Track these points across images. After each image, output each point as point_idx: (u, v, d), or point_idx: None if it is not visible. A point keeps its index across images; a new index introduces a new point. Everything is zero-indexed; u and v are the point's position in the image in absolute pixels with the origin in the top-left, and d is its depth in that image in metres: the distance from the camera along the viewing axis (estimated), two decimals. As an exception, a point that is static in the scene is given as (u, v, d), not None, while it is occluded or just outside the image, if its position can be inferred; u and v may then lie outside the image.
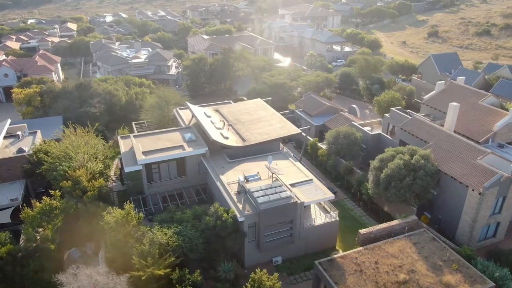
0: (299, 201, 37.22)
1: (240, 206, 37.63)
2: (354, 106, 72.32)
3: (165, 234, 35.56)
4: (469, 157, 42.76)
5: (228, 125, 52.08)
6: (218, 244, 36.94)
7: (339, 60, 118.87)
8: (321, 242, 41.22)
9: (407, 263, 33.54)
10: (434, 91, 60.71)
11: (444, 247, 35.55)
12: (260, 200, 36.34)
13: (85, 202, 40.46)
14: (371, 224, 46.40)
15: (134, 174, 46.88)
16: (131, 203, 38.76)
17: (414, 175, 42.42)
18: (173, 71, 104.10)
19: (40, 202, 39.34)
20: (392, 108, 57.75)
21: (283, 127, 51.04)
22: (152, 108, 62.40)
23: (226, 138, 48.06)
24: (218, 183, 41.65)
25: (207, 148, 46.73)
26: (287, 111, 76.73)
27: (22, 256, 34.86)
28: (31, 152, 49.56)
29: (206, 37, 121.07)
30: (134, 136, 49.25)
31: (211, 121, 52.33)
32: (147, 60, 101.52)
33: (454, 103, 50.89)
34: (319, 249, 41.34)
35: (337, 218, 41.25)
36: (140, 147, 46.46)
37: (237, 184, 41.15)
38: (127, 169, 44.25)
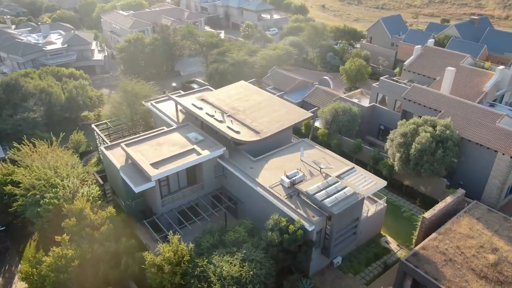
0: (362, 196, 33.89)
1: (301, 212, 32.95)
2: (326, 77, 70.13)
3: (232, 263, 29.56)
4: (488, 122, 43.42)
5: (228, 116, 45.59)
6: (287, 261, 32.14)
7: (271, 29, 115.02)
8: (371, 231, 38.92)
9: (485, 242, 32.84)
10: (412, 56, 60.92)
11: (504, 217, 35.70)
12: (328, 202, 32.07)
13: (101, 242, 31.93)
14: (399, 201, 45.50)
15: (133, 191, 38.66)
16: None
17: (444, 147, 41.88)
18: (98, 55, 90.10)
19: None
20: (382, 78, 56.52)
21: (291, 112, 46.29)
22: (119, 106, 52.28)
23: (238, 132, 41.87)
24: (258, 188, 36.06)
25: (225, 148, 40.27)
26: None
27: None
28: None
29: (124, 13, 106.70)
30: (127, 145, 40.25)
31: (207, 113, 45.25)
32: (65, 46, 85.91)
33: (451, 68, 51.32)
34: (368, 238, 39.04)
35: (385, 204, 39.04)
36: (143, 157, 38.09)
37: (279, 186, 36.08)
38: (137, 189, 35.94)
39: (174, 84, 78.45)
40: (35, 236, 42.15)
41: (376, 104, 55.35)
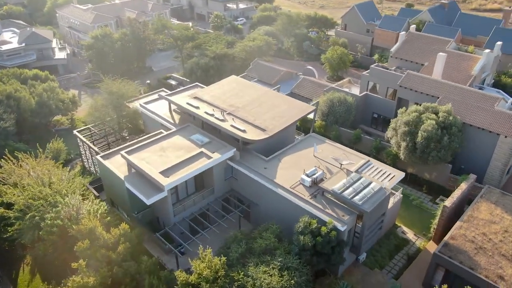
0: (389, 191, 33.23)
1: (330, 212, 31.72)
2: (310, 67, 69.14)
3: (270, 274, 27.85)
4: (486, 105, 44.21)
5: (227, 114, 43.30)
6: (320, 264, 30.88)
7: (239, 19, 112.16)
8: (389, 223, 38.57)
9: (508, 226, 33.32)
10: (397, 43, 61.10)
11: (518, 199, 36.49)
12: (358, 200, 31.04)
13: (119, 263, 29.09)
14: (406, 189, 45.42)
15: (140, 201, 35.83)
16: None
17: (449, 133, 42.16)
18: (60, 54, 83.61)
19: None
20: (372, 66, 56.21)
21: (292, 106, 44.68)
22: (104, 109, 48.26)
23: (244, 131, 39.80)
24: (279, 190, 34.38)
25: (235, 149, 38.13)
26: (232, 83, 69.25)
27: None
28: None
29: (82, 7, 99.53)
30: (128, 153, 37.01)
31: (206, 113, 42.71)
32: (23, 45, 78.78)
33: (442, 53, 51.83)
34: (386, 230, 38.67)
35: (401, 195, 38.73)
36: (150, 166, 35.17)
37: (300, 185, 34.61)
38: (150, 201, 33.08)
39: (148, 82, 74.46)
40: (27, 260, 38.15)
41: (369, 93, 55.00)
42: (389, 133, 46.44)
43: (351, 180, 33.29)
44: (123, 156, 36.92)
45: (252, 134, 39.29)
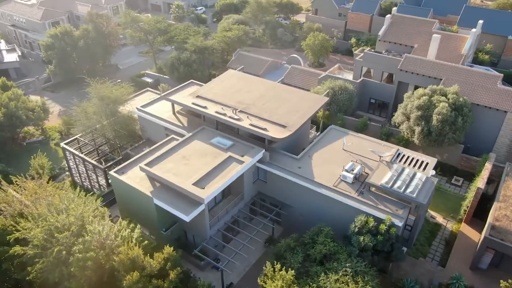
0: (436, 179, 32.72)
1: (383, 208, 30.62)
2: (295, 55, 67.42)
3: (341, 282, 26.26)
4: (489, 84, 45.32)
5: (239, 111, 40.54)
6: (381, 263, 29.78)
7: (199, 8, 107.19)
8: (420, 210, 38.41)
9: (542, 201, 34.35)
10: (384, 26, 61.02)
11: (539, 173, 37.79)
12: (411, 193, 30.17)
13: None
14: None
15: (167, 217, 32.75)
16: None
17: (461, 114, 42.69)
18: (10, 56, 74.76)
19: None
20: (366, 50, 55.71)
21: (305, 99, 42.74)
22: (95, 116, 43.21)
23: (265, 129, 37.42)
24: (323, 190, 32.63)
25: (264, 150, 35.69)
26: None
27: None
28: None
29: (26, 2, 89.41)
30: (148, 165, 33.24)
31: (217, 112, 39.65)
32: (-36, 49, 69.31)
33: (436, 35, 52.33)
34: (417, 217, 38.53)
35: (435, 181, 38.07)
36: (178, 178, 31.84)
37: (341, 182, 33.13)
38: (189, 217, 29.93)
39: (119, 81, 68.57)
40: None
41: (366, 78, 54.51)
42: (398, 118, 46.21)
43: (396, 172, 32.37)
44: (143, 170, 33.17)
45: (275, 132, 36.96)
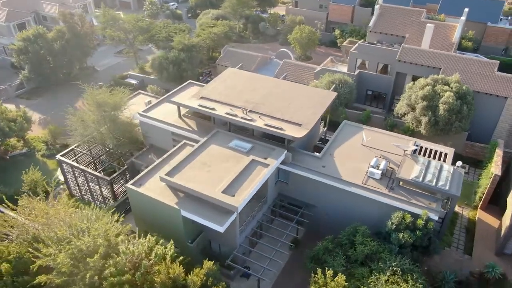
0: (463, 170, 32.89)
1: (416, 203, 30.42)
2: (285, 49, 66.41)
3: (392, 282, 25.81)
4: (487, 71, 46.32)
5: (249, 111, 39.15)
6: (420, 257, 29.66)
7: (171, 3, 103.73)
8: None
9: (556, 183, 35.48)
10: (373, 17, 61.09)
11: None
12: (444, 186, 30.15)
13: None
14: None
15: (192, 228, 31.23)
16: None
17: (466, 102, 43.38)
18: (-25, 62, 69.12)
19: None
20: (360, 42, 55.56)
21: (313, 94, 41.83)
22: (94, 125, 40.40)
23: (281, 129, 36.34)
24: (353, 188, 32.01)
25: (286, 151, 34.58)
26: (201, 76, 64.11)
27: None
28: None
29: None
30: (168, 174, 31.34)
31: (227, 113, 38.08)
32: None
33: (430, 24, 52.90)
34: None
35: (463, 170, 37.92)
36: (205, 186, 30.21)
37: (369, 179, 32.67)
38: (223, 228, 28.46)
39: (100, 83, 65.02)
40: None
41: (362, 71, 54.40)
42: (402, 109, 46.41)
43: (423, 165, 32.28)
44: (164, 180, 31.23)
45: (292, 131, 35.94)
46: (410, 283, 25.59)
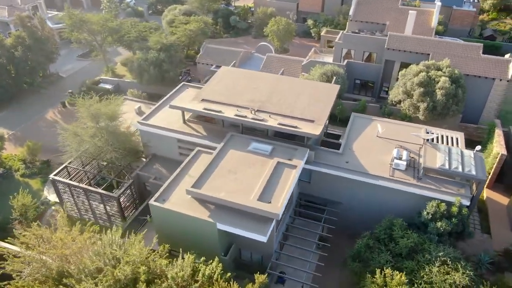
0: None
1: (446, 190, 30.82)
2: (266, 43, 65.09)
3: (444, 272, 25.99)
4: (473, 55, 48.06)
5: (257, 111, 37.83)
6: (456, 243, 30.18)
7: (129, 0, 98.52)
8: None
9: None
10: (352, 6, 61.24)
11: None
12: (470, 171, 30.76)
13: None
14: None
15: (225, 239, 29.83)
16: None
17: (459, 86, 44.74)
18: None
19: None
20: (344, 32, 55.56)
21: (317, 88, 41.05)
22: (91, 140, 37.15)
23: (296, 127, 35.44)
24: (380, 181, 31.83)
25: (308, 150, 33.69)
26: (181, 76, 61.53)
27: None
28: None
29: None
30: (194, 186, 29.44)
31: (237, 115, 36.54)
32: None
33: (412, 11, 53.84)
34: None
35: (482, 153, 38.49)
36: (237, 195, 28.71)
37: (394, 171, 32.66)
38: (266, 237, 27.20)
39: (70, 91, 60.58)
40: None
41: (351, 61, 54.53)
42: (397, 96, 47.09)
43: (444, 152, 32.75)
44: (191, 192, 29.32)
45: (308, 128, 35.17)
46: (461, 271, 25.86)
